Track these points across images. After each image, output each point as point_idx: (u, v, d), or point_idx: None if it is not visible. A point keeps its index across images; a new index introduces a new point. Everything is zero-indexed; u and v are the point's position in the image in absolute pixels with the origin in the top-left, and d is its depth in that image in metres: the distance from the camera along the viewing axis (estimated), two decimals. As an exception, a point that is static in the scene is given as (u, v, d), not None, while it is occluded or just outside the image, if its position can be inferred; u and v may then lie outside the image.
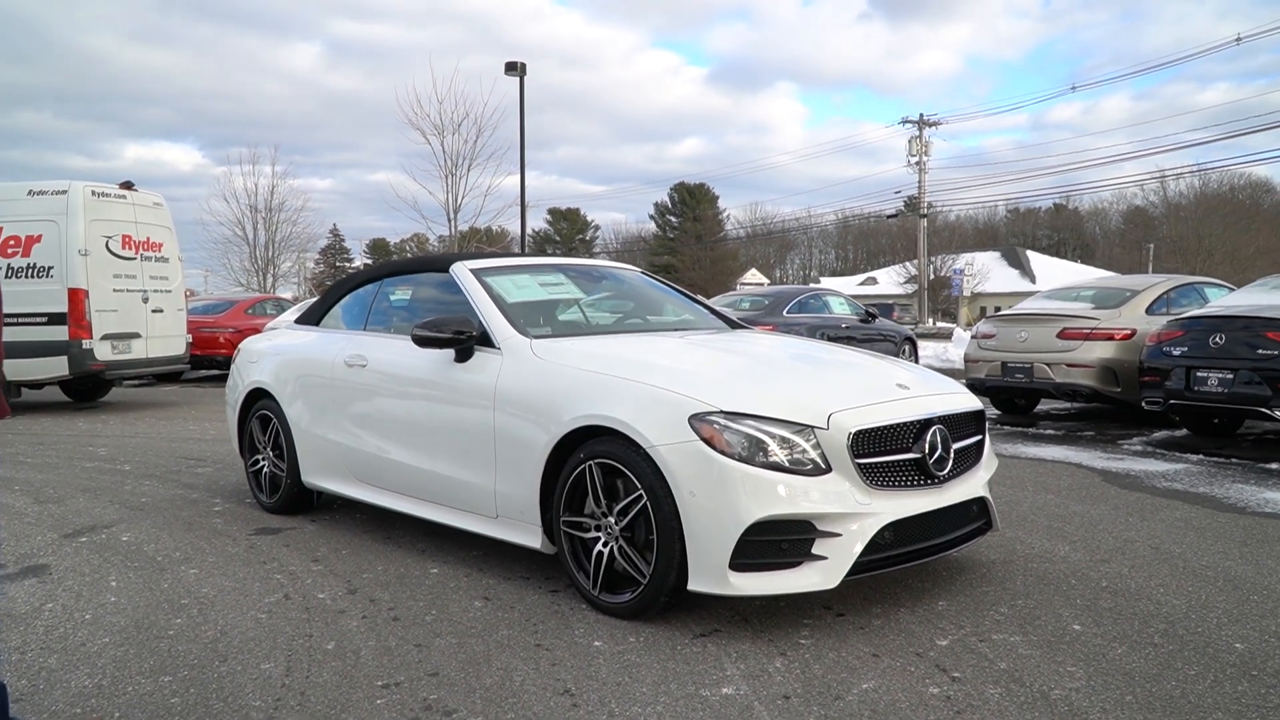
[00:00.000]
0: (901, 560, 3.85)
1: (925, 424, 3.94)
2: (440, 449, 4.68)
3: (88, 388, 13.31)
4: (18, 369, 11.40)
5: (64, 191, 11.56)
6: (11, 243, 11.44)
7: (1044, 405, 11.78)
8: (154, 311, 12.57)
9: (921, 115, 48.94)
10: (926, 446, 3.90)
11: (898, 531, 3.80)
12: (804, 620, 3.86)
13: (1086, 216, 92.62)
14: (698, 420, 3.65)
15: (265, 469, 6.02)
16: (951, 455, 4.02)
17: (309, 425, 5.58)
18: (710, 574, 3.59)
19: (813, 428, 3.68)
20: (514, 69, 21.86)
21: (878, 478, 3.77)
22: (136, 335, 12.30)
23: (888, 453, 3.83)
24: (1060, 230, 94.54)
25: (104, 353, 11.74)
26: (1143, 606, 4.03)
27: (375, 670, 3.40)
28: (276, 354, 5.99)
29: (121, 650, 3.61)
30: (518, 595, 4.24)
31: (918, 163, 49.21)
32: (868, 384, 4.15)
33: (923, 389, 4.18)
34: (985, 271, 64.70)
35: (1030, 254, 75.17)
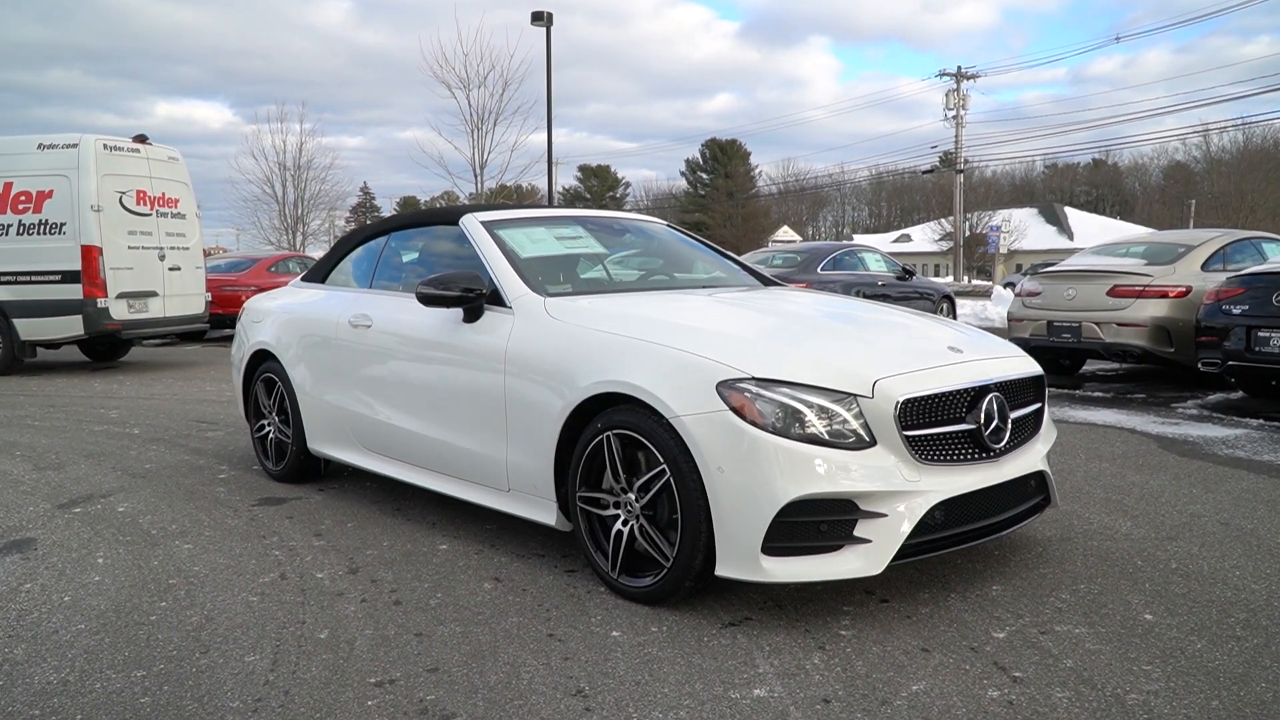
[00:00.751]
0: (953, 543, 3.47)
1: (981, 391, 3.54)
2: (449, 416, 4.33)
3: (105, 348, 13.10)
4: (32, 328, 11.19)
5: (75, 145, 11.26)
6: (22, 198, 11.16)
7: (1089, 366, 11.30)
8: (171, 269, 12.29)
9: (960, 68, 47.79)
10: (982, 416, 3.50)
11: (949, 511, 3.41)
12: (844, 607, 3.50)
13: (1126, 172, 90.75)
14: (726, 388, 3.27)
15: (271, 435, 5.71)
16: (1009, 426, 3.62)
17: (314, 389, 5.25)
18: (740, 558, 3.23)
19: (855, 396, 3.29)
20: (540, 19, 21.32)
21: (927, 451, 3.38)
22: (153, 294, 12.04)
23: (939, 424, 3.43)
24: (1099, 186, 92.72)
25: (120, 312, 11.49)
26: (1219, 592, 3.63)
27: (370, 664, 3.07)
28: (280, 314, 5.66)
29: (96, 639, 3.30)
30: (531, 576, 3.90)
31: (955, 117, 48.13)
32: (916, 346, 3.74)
33: (977, 352, 3.78)
34: (1022, 228, 63.45)
35: (1068, 210, 73.86)
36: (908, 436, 3.32)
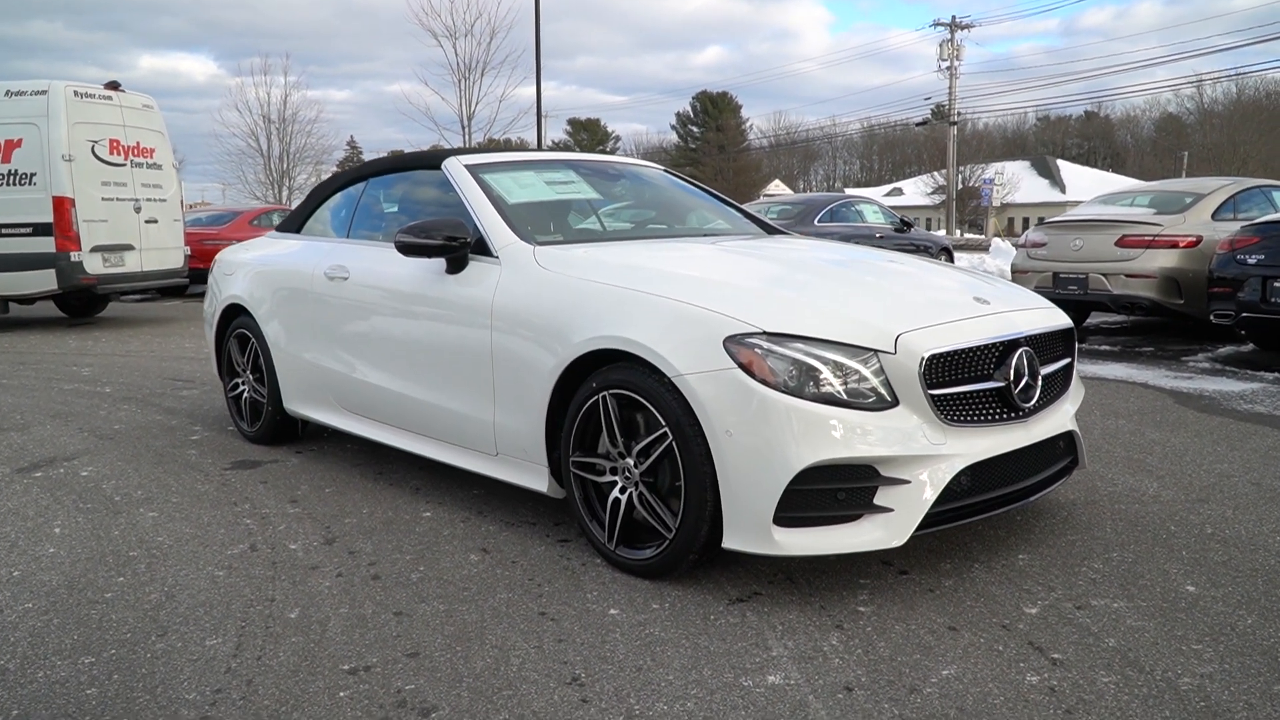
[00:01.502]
0: (980, 510, 3.20)
1: (1010, 346, 3.25)
2: (432, 375, 4.03)
3: (81, 303, 12.71)
4: (3, 283, 10.80)
5: (43, 92, 10.79)
6: (-11, 148, 10.72)
7: (1094, 319, 11.02)
8: (148, 222, 11.88)
9: (954, 17, 47.06)
10: (1011, 373, 3.21)
11: (976, 476, 3.13)
12: (860, 580, 3.23)
13: (1118, 125, 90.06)
14: (734, 343, 2.96)
15: (245, 394, 5.40)
16: (1039, 383, 3.33)
17: (289, 346, 4.94)
18: (750, 529, 2.95)
19: (876, 352, 2.99)
20: (527, -35, 20.71)
21: (953, 412, 3.09)
22: (129, 247, 11.64)
23: (966, 381, 3.14)
24: (1091, 139, 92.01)
25: (94, 266, 11.09)
26: (1262, 560, 3.37)
27: (343, 648, 2.79)
28: (253, 266, 5.32)
29: (44, 620, 3.01)
30: (521, 547, 3.62)
31: (949, 68, 47.49)
32: (940, 297, 3.44)
33: (1004, 303, 3.47)
34: (1015, 181, 62.92)
35: (1060, 163, 73.25)
36: (933, 396, 3.02)
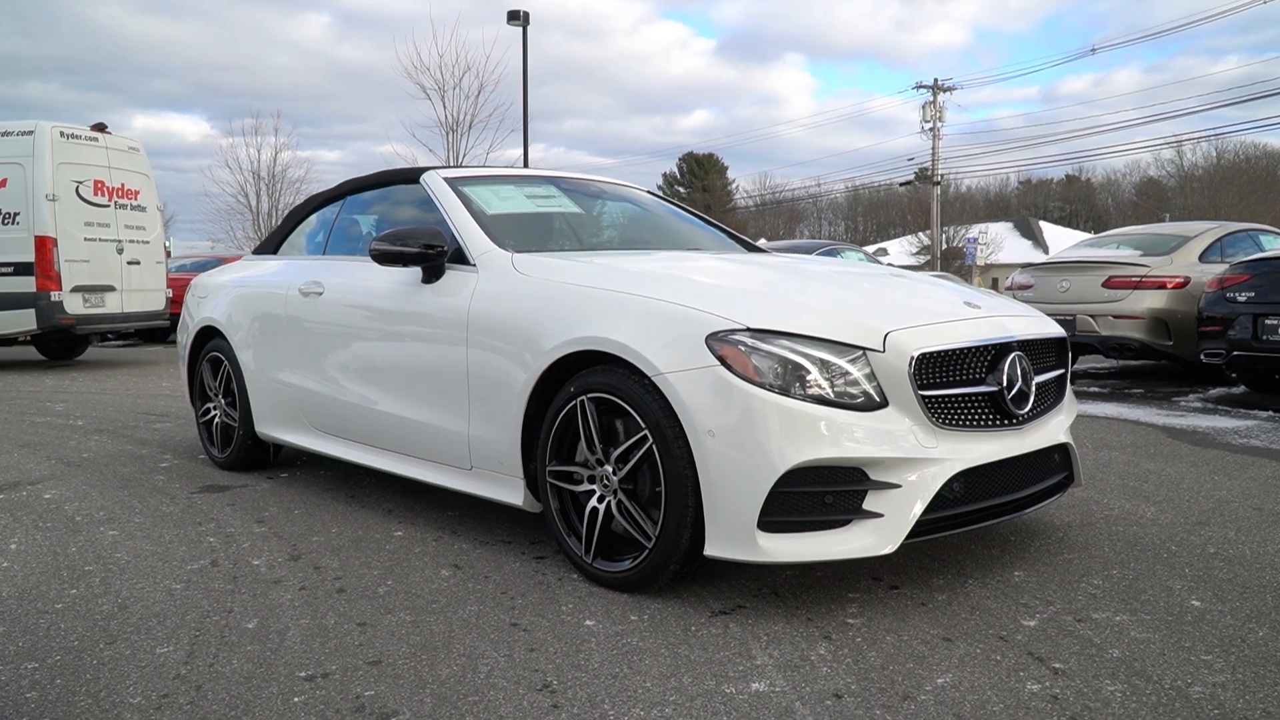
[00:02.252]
0: (973, 519, 3.06)
1: (1002, 349, 3.14)
2: (405, 388, 3.89)
3: (60, 344, 12.54)
4: (-19, 322, 10.63)
5: (30, 132, 10.74)
6: (-27, 187, 10.62)
7: (1082, 364, 10.96)
8: (130, 263, 11.76)
9: (936, 80, 47.74)
10: (1004, 378, 3.09)
11: (969, 483, 3.00)
12: (849, 594, 3.08)
13: (1099, 188, 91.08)
14: (717, 340, 2.85)
15: (216, 419, 5.25)
16: (1033, 390, 3.22)
17: (261, 366, 4.80)
18: (733, 535, 2.80)
19: (865, 350, 2.88)
20: (516, 18, 20.86)
21: (945, 415, 2.97)
22: (111, 288, 11.51)
23: (958, 384, 3.03)
24: (1072, 202, 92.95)
25: (75, 306, 10.95)
26: (1270, 578, 3.24)
27: (301, 656, 2.63)
28: (227, 288, 5.20)
29: (-14, 629, 2.84)
30: (494, 563, 3.46)
31: (932, 128, 48.05)
32: (929, 300, 3.34)
33: (995, 309, 3.38)
34: (998, 241, 63.38)
35: (1043, 224, 73.90)
36: (924, 397, 2.91)
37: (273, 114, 60.51)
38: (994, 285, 61.93)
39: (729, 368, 2.80)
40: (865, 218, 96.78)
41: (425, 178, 4.26)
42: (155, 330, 14.33)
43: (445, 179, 4.21)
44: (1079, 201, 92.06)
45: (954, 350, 3.00)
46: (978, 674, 2.47)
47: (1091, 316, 8.81)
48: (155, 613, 2.98)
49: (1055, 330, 3.51)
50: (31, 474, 5.10)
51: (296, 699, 2.36)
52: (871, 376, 2.87)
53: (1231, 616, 2.86)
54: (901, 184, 63.62)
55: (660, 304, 3.03)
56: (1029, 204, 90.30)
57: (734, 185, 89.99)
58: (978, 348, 3.08)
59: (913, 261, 64.73)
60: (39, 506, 4.37)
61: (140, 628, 2.85)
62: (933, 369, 2.95)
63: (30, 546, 3.72)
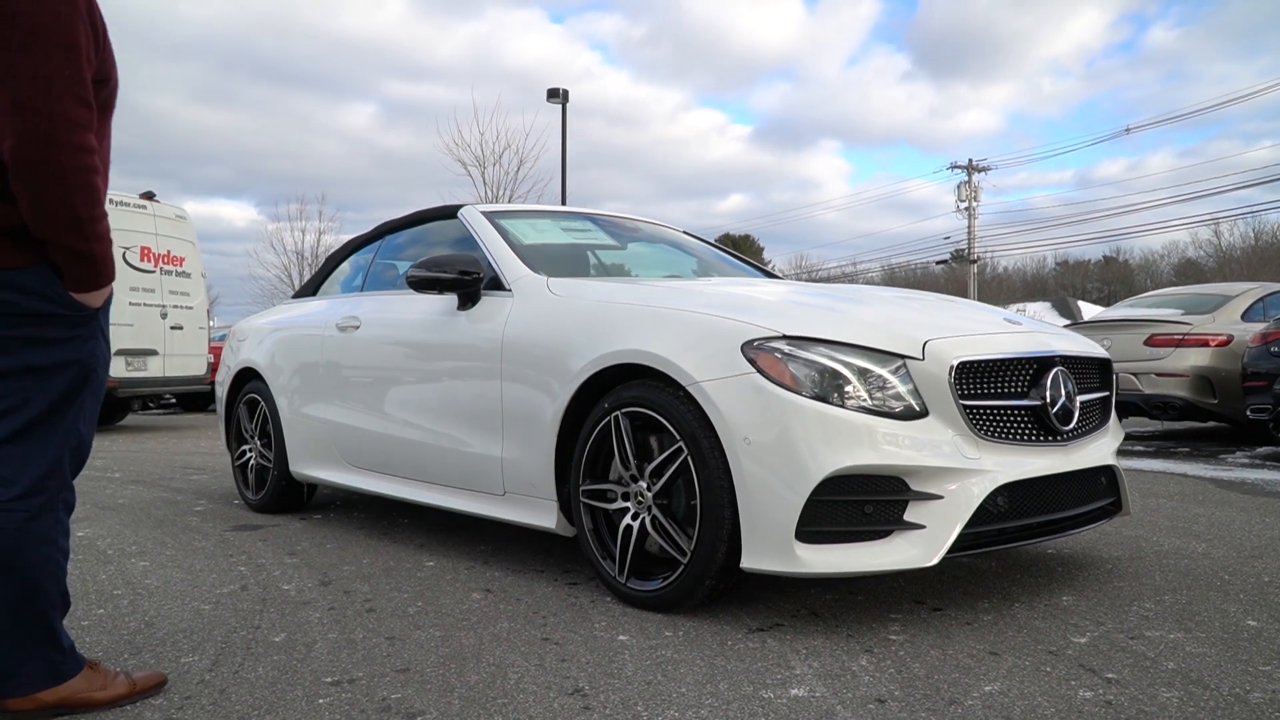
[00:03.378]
0: (1017, 536, 2.97)
1: (1045, 363, 3.08)
2: (440, 415, 3.88)
3: (102, 409, 12.65)
4: (24, 384, 10.77)
5: (79, 199, 10.99)
6: (22, 252, 10.86)
7: (1126, 426, 10.73)
8: (173, 328, 11.94)
9: (971, 160, 48.06)
10: (1048, 392, 3.03)
11: (1013, 498, 2.92)
12: (891, 615, 2.98)
13: (1137, 270, 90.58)
14: (753, 348, 2.81)
15: (252, 461, 5.25)
16: (1077, 407, 3.14)
17: (298, 404, 4.80)
18: (770, 547, 2.73)
19: (904, 357, 2.83)
20: (556, 95, 21.29)
21: (988, 426, 2.90)
22: (154, 352, 11.67)
23: (1000, 395, 2.96)
24: (1110, 283, 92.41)
25: (117, 369, 11.08)
26: (1329, 605, 3.11)
27: (327, 665, 2.57)
28: (265, 330, 5.24)
29: (12, 639, 2.81)
30: (526, 587, 3.40)
31: (967, 208, 48.23)
32: (970, 314, 3.30)
33: (1038, 326, 3.32)
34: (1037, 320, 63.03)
35: (1081, 304, 73.45)
36: (965, 407, 2.84)
37: (317, 198, 61.89)
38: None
39: (765, 375, 2.76)
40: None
41: (463, 212, 4.30)
42: (196, 397, 14.48)
43: (483, 213, 4.25)
44: (1117, 282, 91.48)
45: (995, 360, 2.94)
46: (1027, 683, 2.36)
47: (1134, 375, 8.67)
48: (182, 629, 2.94)
49: (1098, 351, 3.43)
50: (67, 515, 5.10)
51: (322, 700, 2.30)
52: (910, 384, 2.82)
53: (1293, 635, 2.74)
54: (938, 262, 63.67)
55: (695, 315, 3.01)
56: (1066, 284, 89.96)
57: (770, 265, 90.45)
58: (1019, 359, 3.02)
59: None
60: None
61: (166, 641, 2.81)
62: (974, 379, 2.90)
63: (62, 574, 3.70)
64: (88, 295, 2.18)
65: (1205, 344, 8.46)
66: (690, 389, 2.86)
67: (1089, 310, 70.53)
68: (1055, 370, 3.07)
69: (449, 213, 4.44)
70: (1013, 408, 2.97)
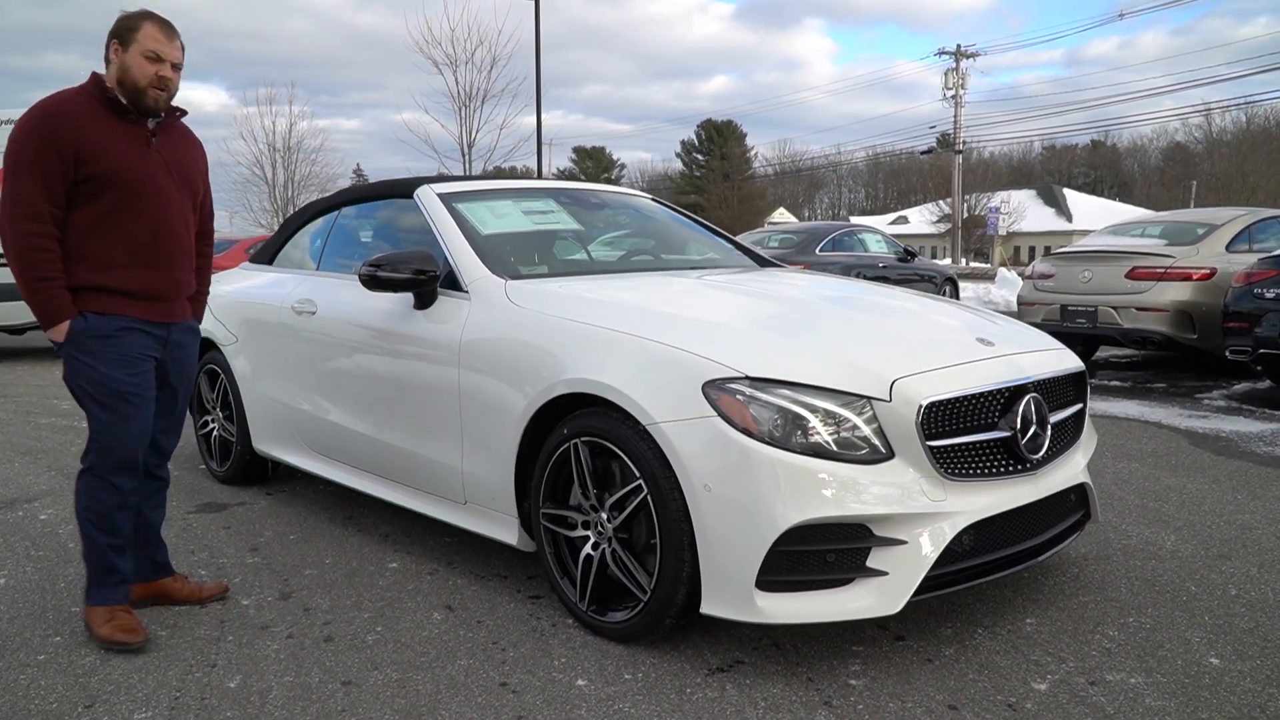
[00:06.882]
0: (984, 572, 2.93)
1: (1017, 392, 3.00)
2: (399, 417, 3.79)
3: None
4: (-9, 313, 10.59)
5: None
6: (-22, 176, 10.57)
7: (1103, 352, 10.76)
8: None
9: (959, 46, 47.05)
10: (1018, 421, 2.95)
11: (979, 535, 2.88)
12: (853, 648, 2.96)
13: (1124, 154, 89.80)
14: (715, 389, 2.72)
15: (215, 432, 5.16)
16: (1048, 432, 3.08)
17: (257, 383, 4.70)
18: (730, 594, 2.69)
19: (870, 399, 2.74)
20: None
21: (954, 465, 2.84)
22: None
23: (969, 431, 2.89)
24: (1097, 168, 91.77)
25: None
26: (1292, 627, 3.10)
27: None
28: (221, 300, 5.08)
29: (-38, 688, 2.76)
30: (489, 604, 3.36)
31: (954, 96, 47.40)
32: (940, 338, 3.20)
33: (1010, 345, 3.23)
34: (1020, 210, 62.59)
35: (1067, 191, 73.05)
36: (932, 448, 2.77)
37: (287, 84, 60.36)
38: (1015, 254, 61.48)
39: (726, 419, 2.68)
40: (886, 185, 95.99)
41: (419, 193, 4.13)
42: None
43: (439, 194, 4.08)
44: (1104, 168, 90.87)
45: (965, 397, 2.86)
46: (984, 754, 2.35)
47: (1114, 308, 8.61)
48: (137, 667, 2.89)
49: (1074, 365, 3.35)
50: (30, 488, 5.03)
51: (270, 782, 2.27)
52: (876, 426, 2.74)
53: (1251, 679, 2.73)
54: (923, 151, 63.08)
55: (656, 346, 2.90)
56: (1053, 170, 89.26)
57: (753, 152, 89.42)
58: (991, 392, 2.94)
59: (932, 230, 64.21)
60: (33, 530, 4.30)
61: (121, 686, 2.77)
62: (942, 417, 2.82)
63: (19, 581, 3.65)
64: (48, 332, 2.96)
65: (1188, 278, 8.39)
66: (650, 429, 2.78)
67: (1074, 199, 70.30)
68: (1027, 398, 2.99)
69: (405, 190, 4.26)
70: (981, 442, 2.90)
